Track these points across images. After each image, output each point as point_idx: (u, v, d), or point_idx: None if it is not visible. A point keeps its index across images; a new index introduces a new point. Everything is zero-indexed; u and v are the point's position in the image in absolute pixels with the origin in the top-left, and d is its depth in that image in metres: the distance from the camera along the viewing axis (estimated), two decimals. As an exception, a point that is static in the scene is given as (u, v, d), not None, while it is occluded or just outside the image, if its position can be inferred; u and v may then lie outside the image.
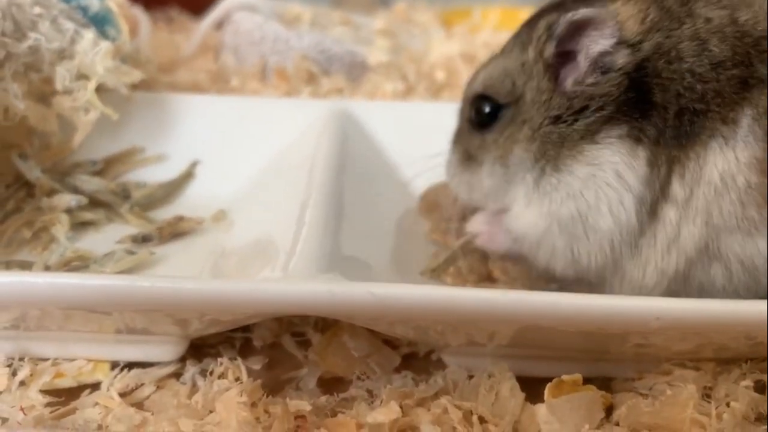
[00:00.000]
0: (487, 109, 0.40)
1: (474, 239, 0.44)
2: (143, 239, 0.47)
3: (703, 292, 0.37)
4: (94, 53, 0.49)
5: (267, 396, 0.35)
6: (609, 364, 0.38)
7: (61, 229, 0.47)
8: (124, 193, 0.50)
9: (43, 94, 0.49)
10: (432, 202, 0.49)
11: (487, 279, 0.45)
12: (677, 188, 0.36)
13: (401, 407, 0.34)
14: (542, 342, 0.37)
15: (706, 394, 0.36)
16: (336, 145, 0.49)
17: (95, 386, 0.37)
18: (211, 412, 0.35)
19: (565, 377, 0.35)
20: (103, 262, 0.44)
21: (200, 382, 0.37)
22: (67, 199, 0.48)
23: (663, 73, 0.36)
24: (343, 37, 0.71)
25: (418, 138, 0.49)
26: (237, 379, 0.36)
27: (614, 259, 0.38)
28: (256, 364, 0.38)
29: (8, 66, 0.46)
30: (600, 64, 0.37)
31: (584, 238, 0.38)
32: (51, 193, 0.49)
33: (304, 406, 0.34)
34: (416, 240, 0.48)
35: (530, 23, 0.40)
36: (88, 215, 0.49)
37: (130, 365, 0.37)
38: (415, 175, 0.50)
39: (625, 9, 0.37)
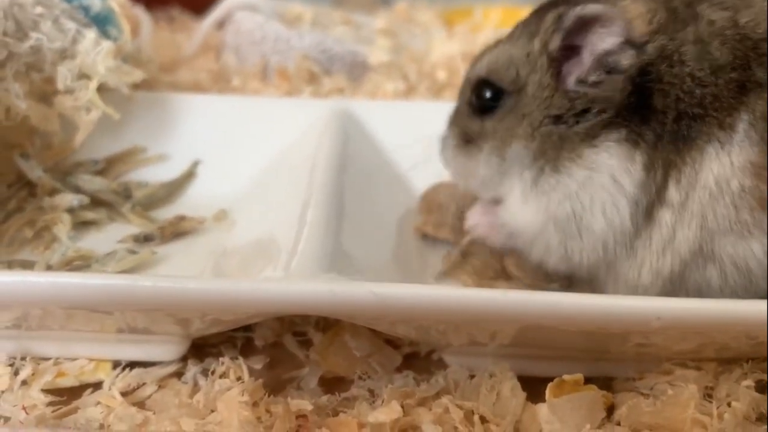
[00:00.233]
0: (488, 95, 0.40)
1: (473, 231, 0.44)
2: (145, 239, 0.47)
3: (701, 293, 0.37)
4: (95, 53, 0.49)
5: (268, 395, 0.35)
6: (610, 364, 0.38)
7: (62, 228, 0.47)
8: (126, 193, 0.51)
9: (45, 94, 0.49)
10: (433, 202, 0.49)
11: (502, 275, 0.45)
12: (673, 192, 0.36)
13: (402, 407, 0.34)
14: (543, 342, 0.37)
15: (708, 394, 0.36)
16: (337, 144, 0.49)
17: (97, 385, 0.37)
18: (212, 411, 0.35)
19: (566, 377, 0.35)
20: (104, 261, 0.44)
21: (202, 381, 0.37)
22: (68, 199, 0.48)
23: (665, 77, 0.36)
24: (344, 36, 0.72)
25: (419, 138, 0.49)
26: (238, 379, 0.36)
27: (608, 259, 0.38)
28: (258, 363, 0.38)
29: (10, 66, 0.46)
30: (604, 63, 0.37)
31: (578, 238, 0.38)
32: (53, 192, 0.49)
33: (306, 405, 0.34)
34: (417, 239, 0.48)
35: (539, 13, 0.40)
36: (89, 215, 0.49)
37: (132, 365, 0.38)
38: (415, 174, 0.50)
39: (634, 7, 0.37)
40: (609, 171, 0.37)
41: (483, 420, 0.34)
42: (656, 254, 0.37)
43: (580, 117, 0.37)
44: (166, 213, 0.50)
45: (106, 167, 0.52)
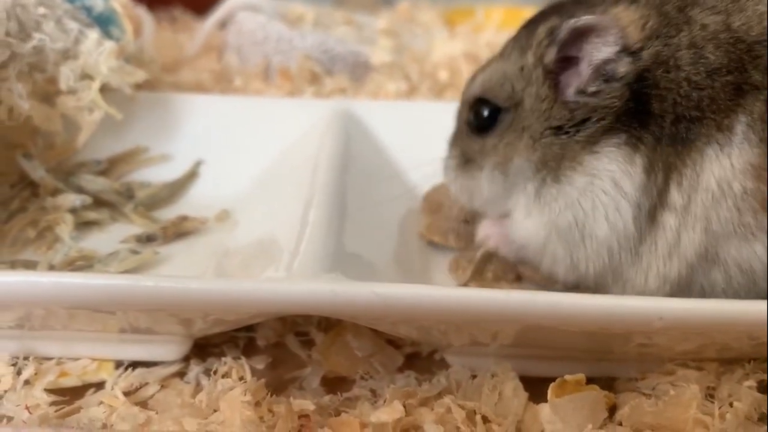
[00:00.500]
0: (486, 113, 0.40)
1: (486, 243, 0.44)
2: (147, 239, 0.47)
3: (704, 295, 0.37)
4: (98, 53, 0.49)
5: (271, 395, 0.35)
6: (612, 364, 0.38)
7: (65, 228, 0.47)
8: (128, 193, 0.51)
9: (48, 94, 0.49)
10: (435, 202, 0.49)
11: (519, 278, 0.45)
12: (675, 195, 0.36)
13: (404, 407, 0.34)
14: (545, 342, 0.37)
15: (709, 394, 0.36)
16: (339, 144, 0.49)
17: (100, 385, 0.37)
18: (215, 411, 0.35)
19: (568, 377, 0.35)
20: (107, 261, 0.44)
21: (204, 381, 0.37)
22: (71, 199, 0.48)
23: (661, 83, 0.36)
24: (346, 36, 0.72)
25: (421, 138, 0.49)
26: (241, 379, 0.36)
27: (614, 266, 0.38)
28: (260, 363, 0.38)
29: (13, 66, 0.46)
30: (602, 72, 0.37)
31: (582, 246, 0.38)
32: (55, 192, 0.49)
33: (308, 405, 0.34)
34: (419, 240, 0.48)
35: (529, 27, 0.40)
36: (92, 215, 0.49)
37: (135, 364, 0.38)
38: (418, 174, 0.50)
39: (626, 14, 0.37)
40: (609, 175, 0.37)
41: (485, 420, 0.35)
42: (662, 259, 0.37)
43: (581, 126, 0.37)
44: (168, 213, 0.50)
45: (108, 167, 0.53)
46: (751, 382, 0.36)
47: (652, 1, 0.38)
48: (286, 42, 0.67)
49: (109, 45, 0.49)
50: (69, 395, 0.36)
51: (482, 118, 0.40)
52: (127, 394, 0.36)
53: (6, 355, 0.37)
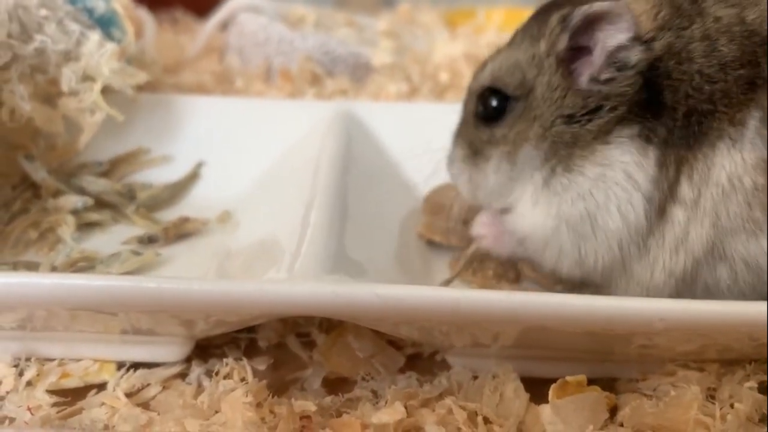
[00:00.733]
0: (495, 103, 0.40)
1: (479, 243, 0.44)
2: (149, 240, 0.47)
3: (709, 292, 0.37)
4: (99, 55, 0.49)
5: (272, 396, 0.35)
6: (613, 365, 0.38)
7: (67, 229, 0.47)
8: (130, 194, 0.51)
9: (49, 96, 0.49)
10: (436, 204, 0.49)
11: (514, 278, 0.45)
12: (686, 189, 0.36)
13: (406, 408, 0.34)
14: (547, 343, 0.37)
15: (710, 395, 0.36)
16: (340, 146, 0.50)
17: (101, 386, 0.37)
18: (216, 412, 0.35)
19: (569, 378, 0.35)
20: (108, 262, 0.44)
21: (206, 382, 0.37)
22: (73, 200, 0.49)
23: (673, 74, 0.36)
24: (347, 38, 0.72)
25: (422, 139, 0.49)
26: (242, 380, 0.36)
27: (622, 259, 0.38)
28: (262, 364, 0.38)
29: (14, 68, 0.46)
30: (615, 60, 0.37)
31: (592, 238, 0.38)
32: (57, 194, 0.49)
33: (309, 406, 0.34)
34: (420, 241, 0.48)
35: (540, 16, 0.40)
36: (93, 216, 0.49)
37: (136, 365, 0.38)
38: (418, 175, 0.50)
39: (637, 5, 0.37)
40: (623, 167, 0.37)
41: (486, 421, 0.35)
42: (669, 253, 0.37)
43: (593, 115, 0.37)
44: (169, 214, 0.50)
45: (110, 169, 0.53)
46: (752, 383, 0.36)
47: None
48: (288, 43, 0.67)
49: (110, 47, 0.49)
50: (71, 396, 0.36)
51: (491, 107, 0.40)
52: (128, 395, 0.36)
53: (8, 356, 0.37)
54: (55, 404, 0.36)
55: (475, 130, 0.41)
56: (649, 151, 0.36)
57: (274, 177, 0.51)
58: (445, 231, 0.47)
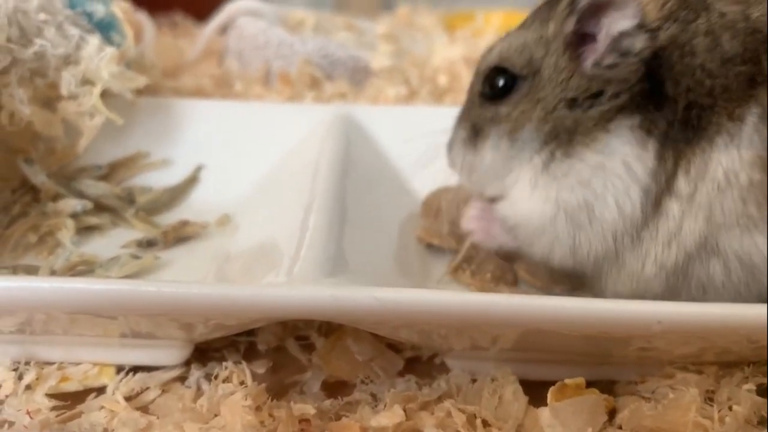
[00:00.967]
0: (502, 82, 0.40)
1: (470, 236, 0.44)
2: (148, 244, 0.47)
3: (703, 288, 0.37)
4: (99, 59, 0.49)
5: (271, 400, 0.35)
6: (612, 368, 0.38)
7: (66, 233, 0.47)
8: (129, 198, 0.51)
9: (49, 100, 0.49)
10: (435, 207, 0.49)
11: (511, 280, 0.45)
12: (682, 183, 0.36)
13: (405, 411, 0.34)
14: (545, 346, 0.37)
15: (709, 398, 0.36)
16: (339, 149, 0.50)
17: (101, 390, 0.37)
18: (216, 415, 0.35)
19: (568, 381, 0.35)
20: (108, 266, 0.44)
21: (205, 385, 0.37)
22: (72, 204, 0.49)
23: (676, 66, 0.36)
24: (346, 41, 0.72)
25: (421, 142, 0.49)
26: (242, 383, 0.36)
27: (615, 250, 0.38)
28: (261, 368, 0.38)
29: (14, 71, 0.46)
30: (619, 46, 0.37)
31: (588, 227, 0.38)
32: (56, 197, 0.49)
33: (309, 409, 0.34)
34: (419, 244, 0.48)
35: (551, 1, 0.40)
36: (93, 220, 0.49)
37: (136, 369, 0.38)
38: (417, 179, 0.50)
39: None
40: (622, 158, 0.37)
41: (485, 424, 0.35)
42: (662, 246, 0.37)
43: (595, 100, 0.37)
44: (169, 218, 0.50)
45: (109, 172, 0.53)
46: (750, 386, 0.36)
47: None
48: (287, 47, 0.67)
49: (110, 50, 0.49)
50: (70, 400, 0.36)
51: (498, 86, 0.40)
52: (128, 398, 0.36)
53: (7, 360, 0.37)
54: (54, 408, 0.36)
55: (479, 109, 0.41)
56: (649, 144, 0.36)
57: (273, 180, 0.52)
58: (444, 234, 0.47)
